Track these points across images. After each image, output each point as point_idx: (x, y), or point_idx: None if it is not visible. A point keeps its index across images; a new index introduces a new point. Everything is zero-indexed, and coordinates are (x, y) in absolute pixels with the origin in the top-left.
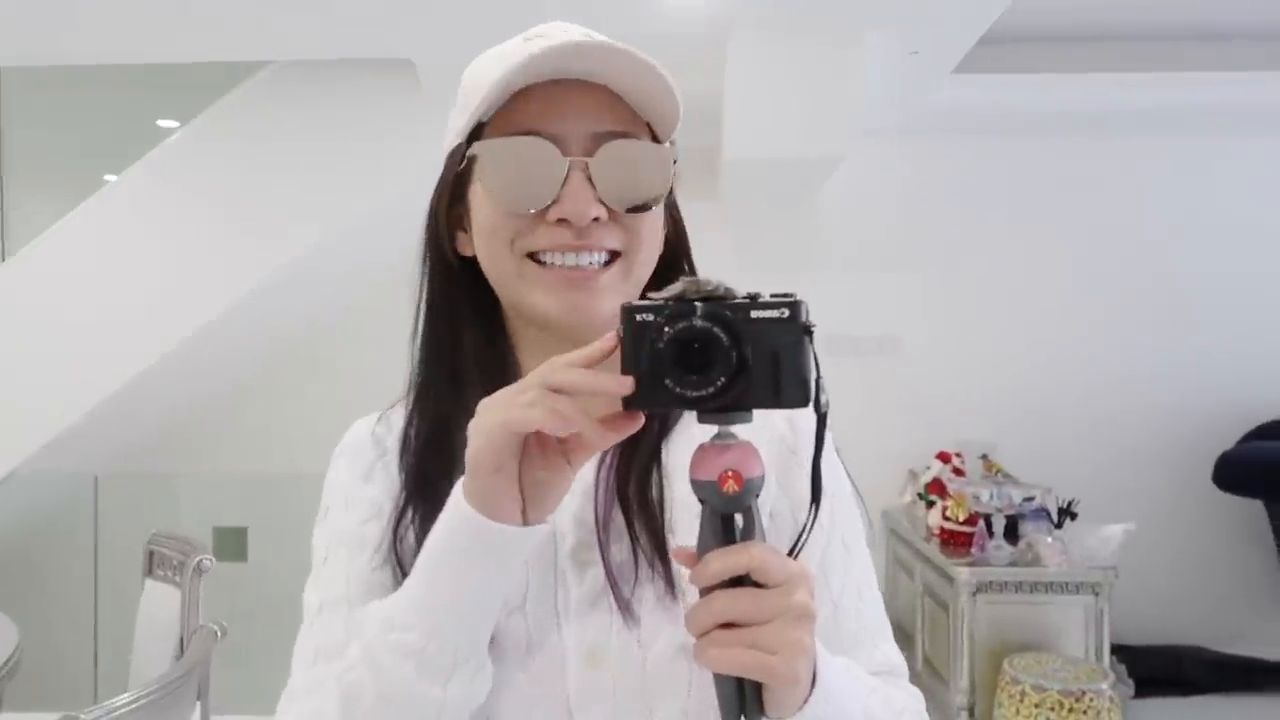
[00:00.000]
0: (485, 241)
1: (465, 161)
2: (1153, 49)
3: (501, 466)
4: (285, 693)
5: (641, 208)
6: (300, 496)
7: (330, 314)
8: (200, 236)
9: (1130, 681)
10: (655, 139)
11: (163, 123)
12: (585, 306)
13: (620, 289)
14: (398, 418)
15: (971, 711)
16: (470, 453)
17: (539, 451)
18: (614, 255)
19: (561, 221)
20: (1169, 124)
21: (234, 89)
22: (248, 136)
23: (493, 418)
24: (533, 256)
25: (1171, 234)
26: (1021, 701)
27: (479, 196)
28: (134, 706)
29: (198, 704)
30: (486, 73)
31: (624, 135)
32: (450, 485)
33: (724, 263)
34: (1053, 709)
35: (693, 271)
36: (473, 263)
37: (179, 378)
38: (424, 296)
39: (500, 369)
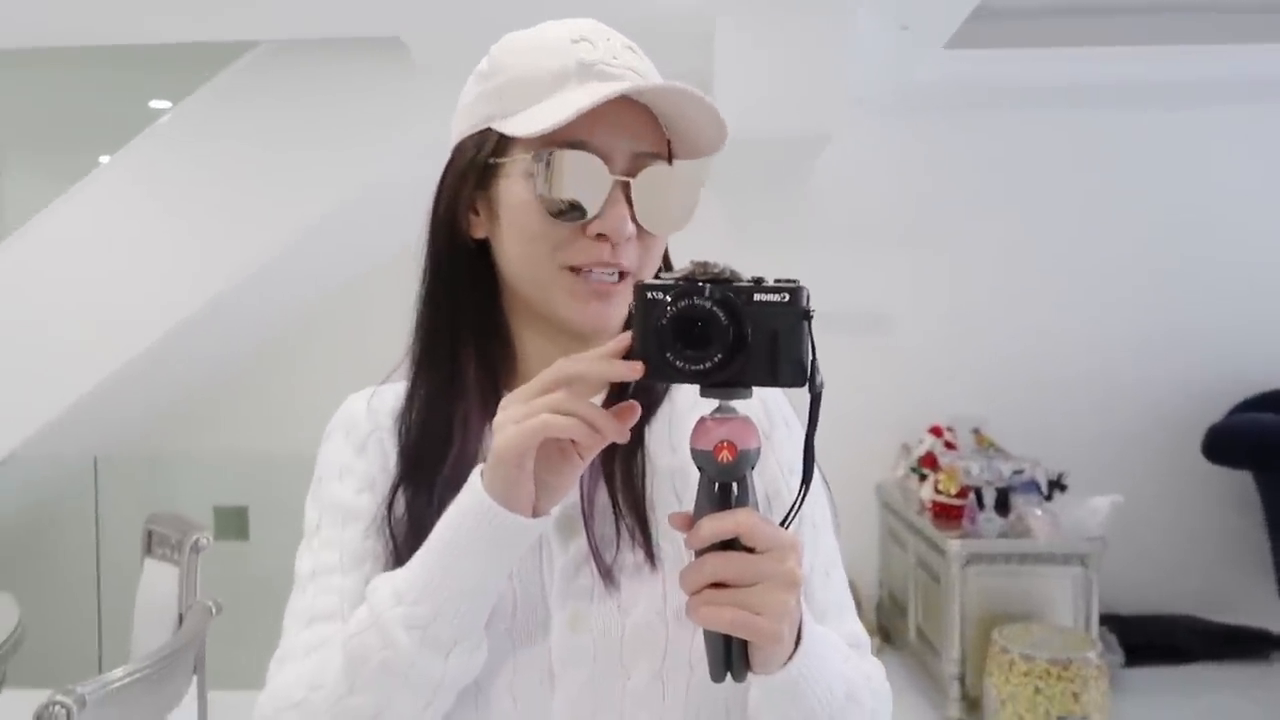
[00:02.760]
0: (523, 244)
1: (497, 153)
2: (1147, 21)
3: (524, 463)
4: (276, 655)
5: (669, 230)
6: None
7: (326, 294)
8: (194, 217)
9: (1120, 650)
10: (669, 156)
11: (155, 103)
12: (604, 315)
13: (628, 298)
14: (391, 392)
15: (962, 680)
16: (497, 446)
17: (556, 449)
18: (624, 272)
19: (600, 236)
20: (1161, 97)
21: (225, 69)
22: (239, 117)
23: (526, 423)
24: (569, 267)
25: (1161, 208)
26: (1010, 670)
27: (515, 194)
28: (129, 681)
29: (194, 678)
30: (530, 64)
31: (658, 156)
32: (443, 462)
33: (716, 240)
34: (1041, 677)
35: (667, 264)
36: (480, 244)
37: (176, 359)
38: (429, 274)
39: (499, 350)
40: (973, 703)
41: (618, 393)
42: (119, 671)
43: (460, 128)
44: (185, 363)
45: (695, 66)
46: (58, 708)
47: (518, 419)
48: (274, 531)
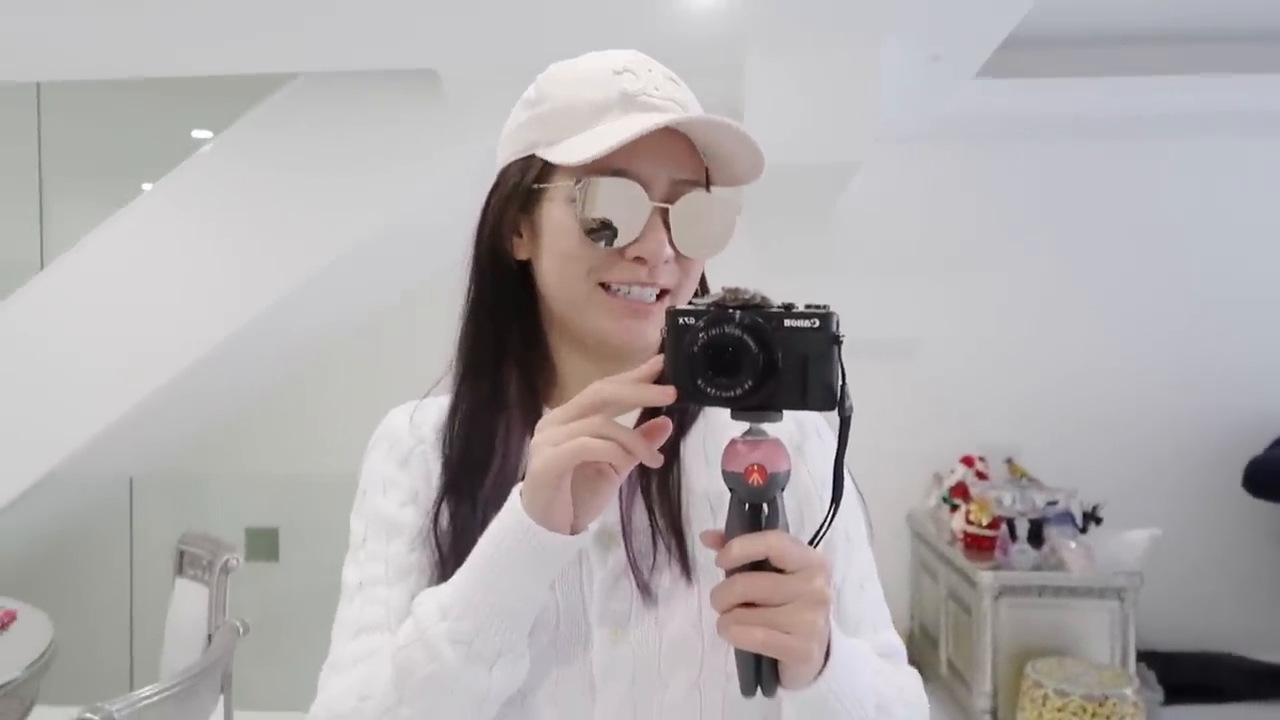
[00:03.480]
0: (560, 265)
1: (540, 177)
2: (1178, 51)
3: (561, 484)
4: (326, 664)
5: (705, 255)
6: (331, 498)
7: (360, 319)
8: (232, 244)
9: (1159, 688)
10: (707, 182)
11: (197, 133)
12: (639, 332)
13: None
14: (434, 407)
15: (994, 715)
16: (535, 469)
17: (592, 469)
18: (663, 291)
19: (638, 259)
20: (1194, 126)
21: (264, 100)
22: (277, 146)
23: (564, 447)
24: (603, 285)
25: (1198, 237)
26: (1044, 706)
27: (556, 219)
28: (158, 699)
29: (220, 697)
30: (574, 95)
31: (696, 183)
32: (486, 475)
33: (746, 267)
34: (1075, 714)
35: (704, 286)
36: (522, 265)
37: (212, 382)
38: (473, 293)
39: (540, 367)
40: None
41: (651, 413)
42: (148, 689)
43: (505, 153)
44: (220, 386)
45: (726, 96)
46: None
47: (555, 441)
48: (304, 553)
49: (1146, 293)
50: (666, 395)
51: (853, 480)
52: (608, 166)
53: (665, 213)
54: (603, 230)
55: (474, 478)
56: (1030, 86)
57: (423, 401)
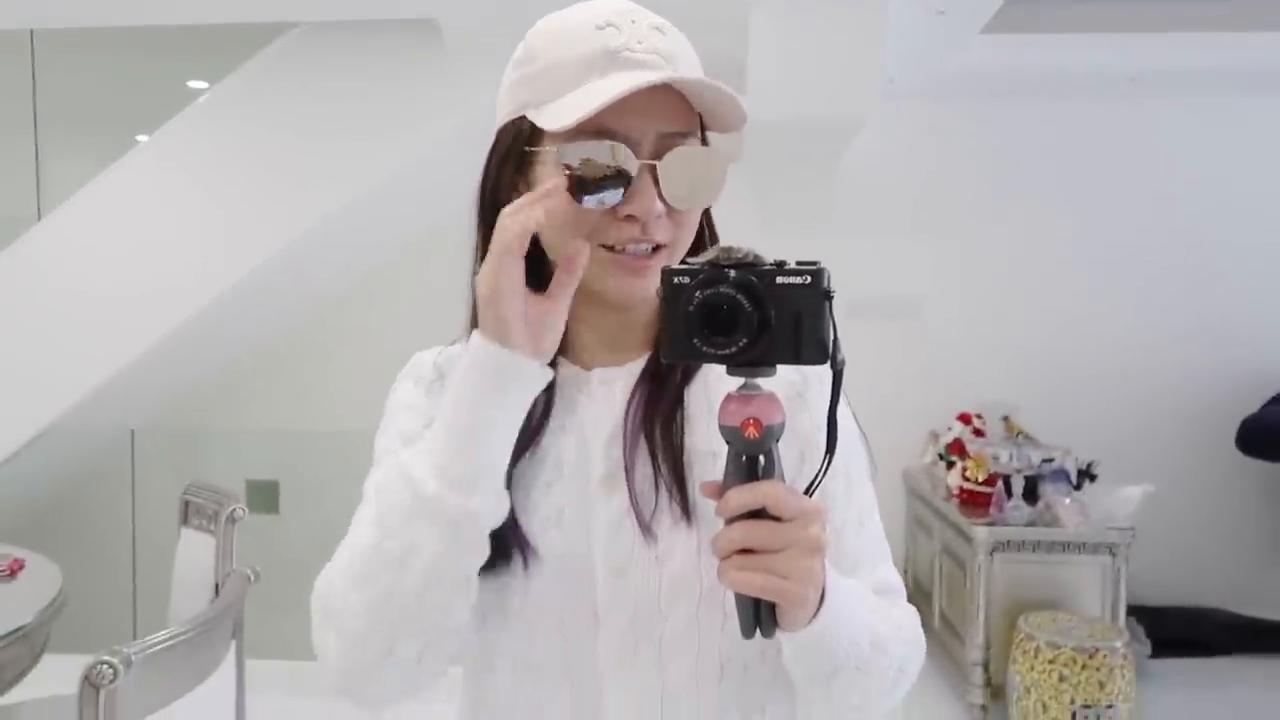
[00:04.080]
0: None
1: (531, 140)
2: (1189, 6)
3: (503, 292)
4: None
5: (697, 207)
6: (331, 452)
7: (361, 273)
8: (230, 196)
9: (1147, 641)
10: (704, 131)
11: (193, 84)
12: (636, 288)
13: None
14: (457, 353)
15: (986, 667)
16: (479, 293)
17: (533, 296)
18: (659, 245)
19: (629, 218)
20: (1198, 83)
21: (261, 51)
22: (276, 97)
23: (488, 264)
24: (602, 245)
25: (1197, 196)
26: (1035, 658)
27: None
28: (173, 643)
29: (232, 644)
30: (558, 54)
31: (687, 135)
32: (505, 420)
33: (747, 224)
34: (1066, 665)
35: (714, 239)
36: None
37: (211, 335)
38: (479, 250)
39: None
40: (996, 690)
41: (658, 366)
42: (162, 634)
43: (500, 113)
44: (219, 339)
45: (729, 50)
46: (105, 667)
47: (484, 273)
48: (304, 506)
49: (1146, 251)
50: (558, 185)
51: (855, 420)
52: (592, 127)
53: (654, 169)
54: (591, 191)
55: None
56: (1036, 42)
57: (449, 347)
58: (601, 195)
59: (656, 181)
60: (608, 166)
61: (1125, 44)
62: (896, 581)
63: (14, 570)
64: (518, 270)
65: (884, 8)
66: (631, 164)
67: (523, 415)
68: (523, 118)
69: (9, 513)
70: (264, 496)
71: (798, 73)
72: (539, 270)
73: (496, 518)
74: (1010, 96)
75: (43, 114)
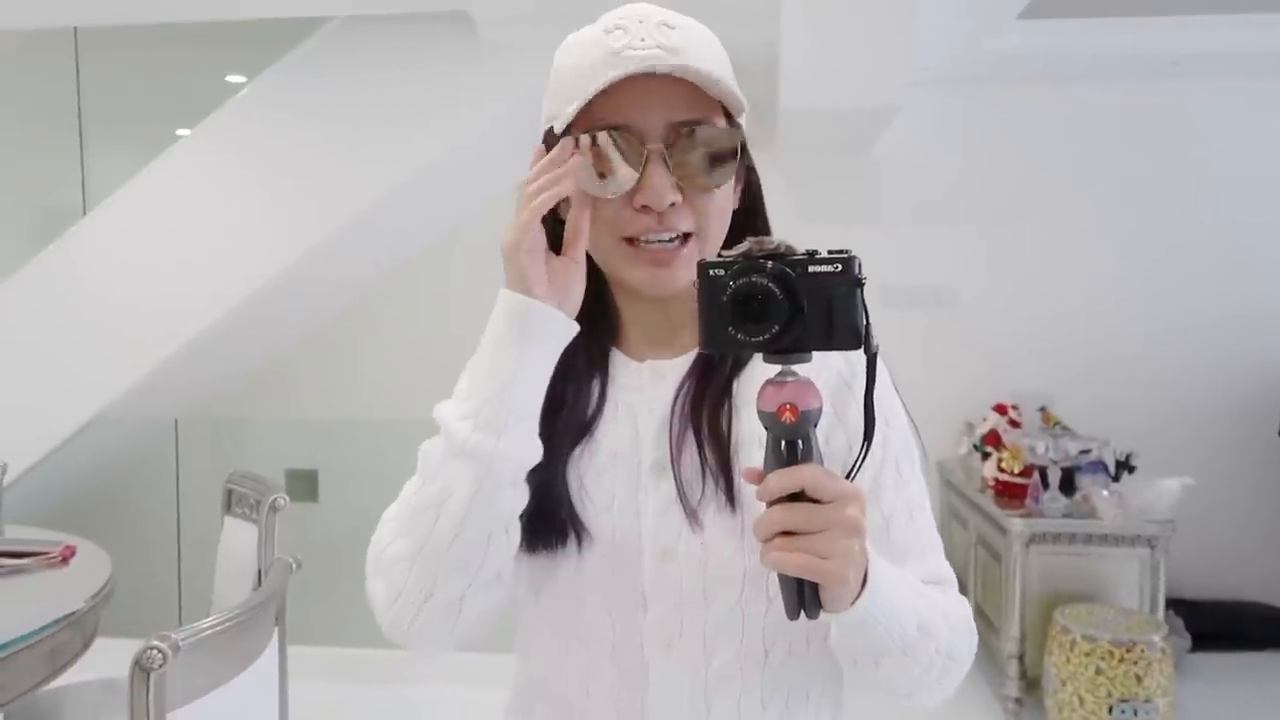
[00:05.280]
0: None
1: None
2: None
3: (528, 247)
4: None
5: (711, 187)
6: (369, 441)
7: (397, 264)
8: (271, 188)
9: (1187, 635)
10: (728, 115)
11: (232, 78)
12: (666, 279)
13: (696, 261)
14: None
15: (1021, 659)
16: (502, 248)
17: (553, 255)
18: (688, 235)
19: (644, 208)
20: (1240, 67)
21: (298, 45)
22: (312, 90)
23: (512, 228)
24: (627, 239)
25: (1237, 181)
26: (1072, 650)
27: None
28: (220, 629)
29: (275, 630)
30: (572, 64)
31: (699, 122)
32: (558, 417)
33: (780, 214)
34: (1103, 659)
35: (767, 231)
36: None
37: (252, 327)
38: None
39: (602, 313)
40: (1032, 683)
41: (707, 358)
42: (209, 620)
43: (541, 126)
44: (259, 331)
45: (762, 38)
46: (155, 652)
47: (507, 231)
48: (342, 494)
49: (1185, 238)
50: (564, 148)
51: (907, 412)
52: (602, 122)
53: (664, 156)
54: (604, 183)
55: (547, 419)
56: (1074, 26)
57: None
58: (607, 184)
59: (669, 169)
60: (614, 155)
61: (1164, 27)
62: (948, 572)
63: (66, 557)
64: (538, 230)
65: None
66: (636, 152)
67: (551, 363)
68: (549, 130)
69: (60, 501)
70: (303, 485)
71: (830, 63)
72: (589, 262)
73: (528, 456)
74: (1046, 81)
75: (87, 109)
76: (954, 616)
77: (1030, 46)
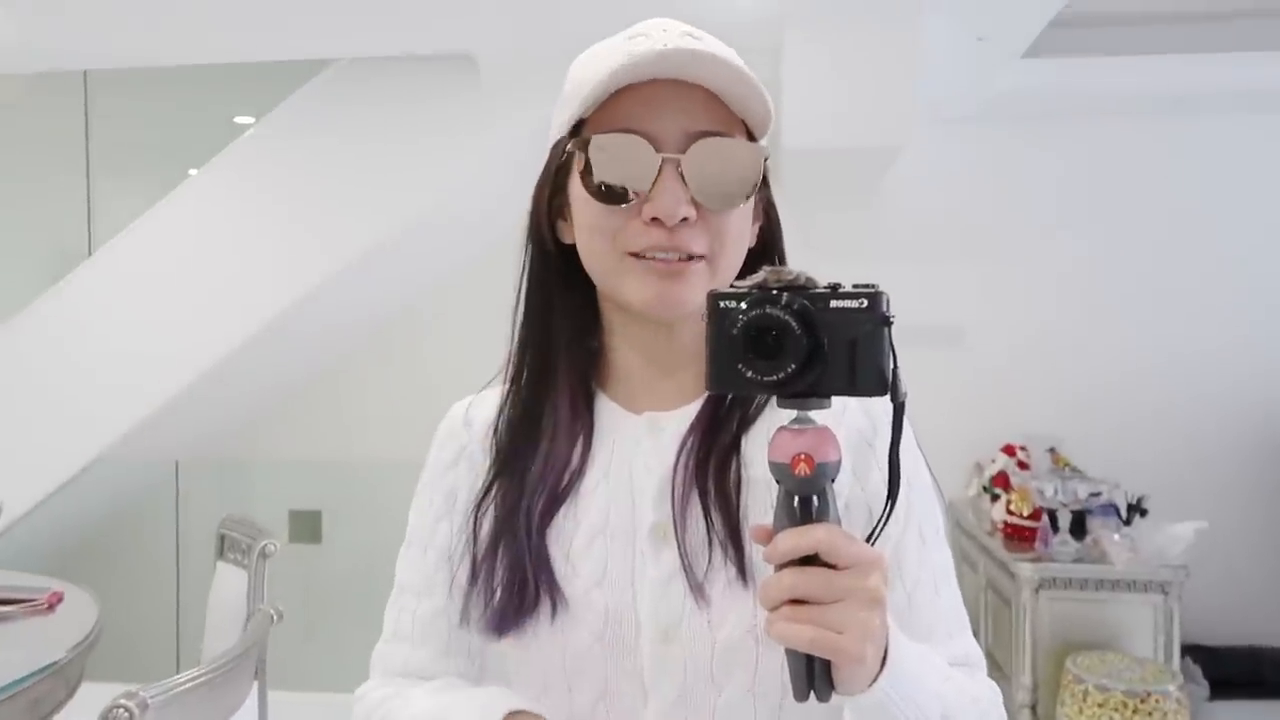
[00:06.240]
0: (587, 236)
1: (565, 155)
2: (1232, 28)
3: None
4: (375, 651)
5: (729, 204)
6: (372, 481)
7: (401, 304)
8: (276, 229)
9: (1205, 683)
10: (751, 137)
11: (240, 119)
12: (674, 296)
13: (707, 283)
14: (490, 398)
15: (1034, 709)
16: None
17: None
18: (700, 257)
19: (654, 220)
20: (1243, 104)
21: (304, 85)
22: (318, 131)
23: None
24: (631, 253)
25: (1250, 219)
26: (1085, 701)
27: (577, 189)
28: (192, 685)
29: (255, 683)
30: (589, 70)
31: (718, 134)
32: (534, 459)
33: (788, 251)
34: (1116, 709)
35: (783, 263)
36: (571, 249)
37: (256, 367)
38: (524, 279)
39: (592, 352)
40: None
41: (713, 410)
42: (183, 676)
43: (549, 139)
44: (263, 371)
45: (764, 77)
46: (121, 711)
47: None
48: (346, 535)
49: (1196, 277)
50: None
51: (931, 475)
52: (614, 126)
53: (678, 166)
54: (612, 190)
55: (524, 460)
56: (1078, 66)
57: (481, 394)
58: (622, 189)
59: (684, 181)
60: (625, 158)
61: (1167, 65)
62: (976, 654)
63: (52, 604)
64: None
65: (919, 37)
66: (651, 158)
67: None
68: (561, 138)
69: (56, 544)
70: (307, 526)
71: (833, 101)
72: (581, 294)
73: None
74: (1053, 120)
75: (95, 151)
76: (983, 702)
77: (1035, 85)
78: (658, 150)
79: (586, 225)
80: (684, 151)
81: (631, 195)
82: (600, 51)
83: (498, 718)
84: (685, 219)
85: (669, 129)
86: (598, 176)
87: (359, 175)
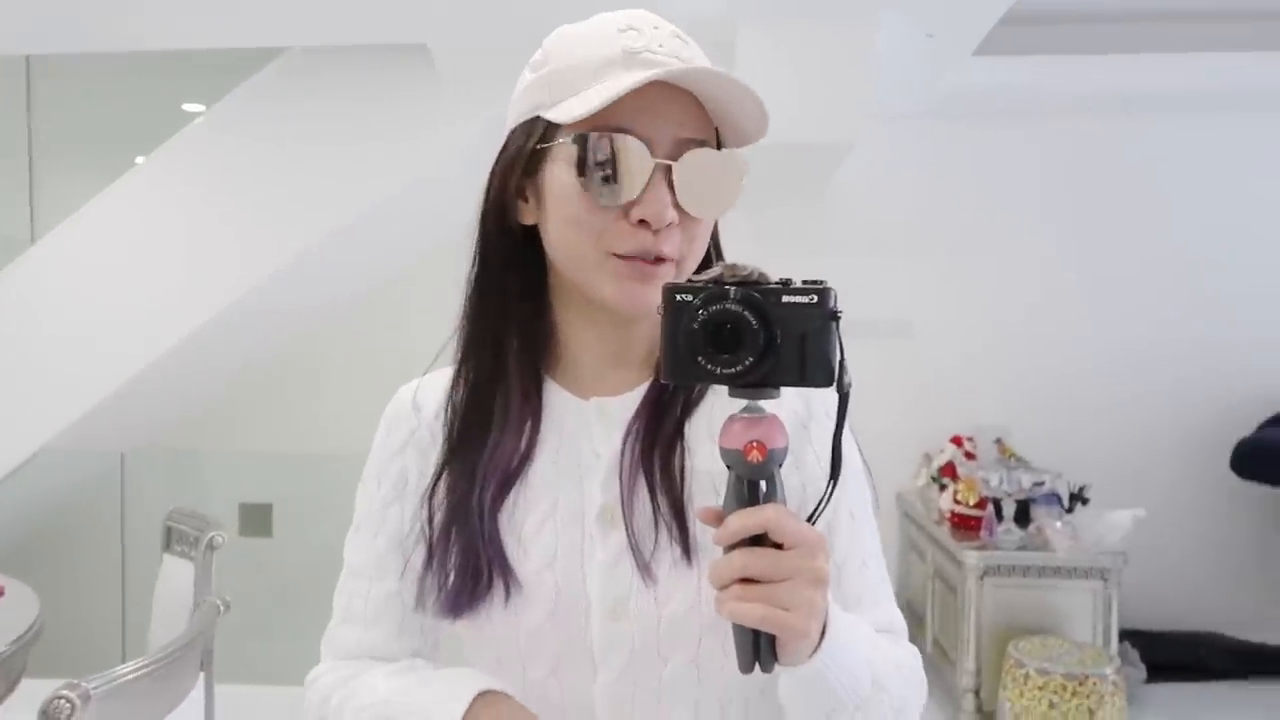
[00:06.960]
0: (567, 229)
1: (544, 138)
2: (1178, 29)
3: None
4: (327, 629)
5: (713, 213)
6: (324, 474)
7: (352, 297)
8: (226, 218)
9: (1142, 666)
10: (718, 144)
11: (188, 106)
12: (646, 297)
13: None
14: (438, 382)
15: (977, 693)
16: None
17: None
18: (664, 258)
19: (641, 222)
20: (1191, 105)
21: (255, 74)
22: (269, 120)
23: None
24: (614, 253)
25: (1191, 216)
26: (1025, 684)
27: (559, 180)
28: (136, 676)
29: (201, 674)
30: (580, 55)
31: (703, 143)
32: (484, 449)
33: (740, 246)
34: (1056, 692)
35: (720, 258)
36: (529, 231)
37: (205, 357)
38: (477, 260)
39: (542, 336)
40: (987, 716)
41: (657, 396)
42: (126, 667)
43: (512, 116)
44: (212, 362)
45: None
46: (62, 702)
47: None
48: (297, 528)
49: (1140, 274)
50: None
51: (860, 455)
52: (609, 124)
53: (669, 173)
54: (603, 188)
55: (474, 450)
56: (1028, 64)
57: (426, 378)
58: (604, 192)
59: (672, 188)
60: (621, 160)
61: (1116, 65)
62: (899, 621)
63: None
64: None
65: (871, 33)
66: (646, 160)
67: None
68: (535, 119)
69: (1, 537)
70: (257, 519)
71: (785, 97)
72: (534, 277)
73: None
74: (1002, 117)
75: (38, 138)
76: (906, 669)
77: (985, 83)
78: (652, 155)
79: (567, 218)
80: (675, 159)
81: (621, 196)
82: (593, 37)
83: (468, 698)
84: (670, 223)
85: (662, 132)
86: (589, 173)
87: (310, 166)
